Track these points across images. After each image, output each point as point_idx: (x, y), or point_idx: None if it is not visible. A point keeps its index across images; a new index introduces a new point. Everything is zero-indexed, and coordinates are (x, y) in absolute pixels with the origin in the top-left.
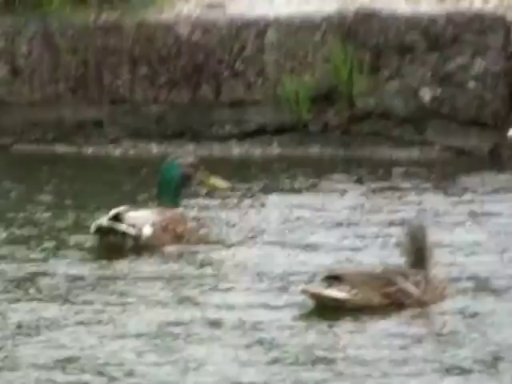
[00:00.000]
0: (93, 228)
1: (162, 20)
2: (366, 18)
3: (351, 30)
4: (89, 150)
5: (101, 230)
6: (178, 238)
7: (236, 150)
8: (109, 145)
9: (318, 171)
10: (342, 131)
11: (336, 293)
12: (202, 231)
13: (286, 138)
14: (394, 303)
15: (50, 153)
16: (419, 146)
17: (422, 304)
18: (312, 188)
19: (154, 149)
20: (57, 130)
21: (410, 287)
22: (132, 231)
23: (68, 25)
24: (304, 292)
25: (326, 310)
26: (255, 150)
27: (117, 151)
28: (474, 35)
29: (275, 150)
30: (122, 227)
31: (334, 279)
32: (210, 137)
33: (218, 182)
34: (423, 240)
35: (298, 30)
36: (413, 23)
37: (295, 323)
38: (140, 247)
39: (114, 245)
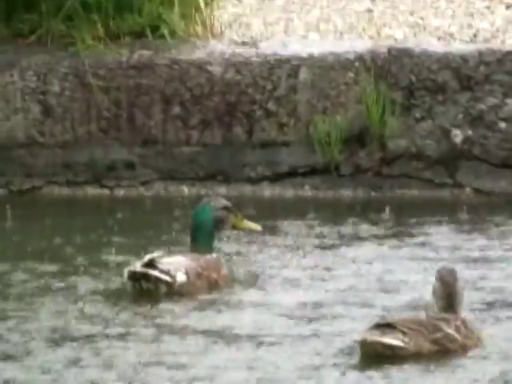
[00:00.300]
0: (126, 274)
1: (194, 59)
2: (399, 57)
3: (383, 69)
4: (120, 193)
5: (134, 277)
6: (213, 285)
7: (268, 191)
8: (140, 187)
9: (349, 213)
10: (373, 173)
11: (393, 341)
12: (234, 277)
13: (318, 180)
14: (441, 350)
15: (81, 195)
16: (450, 187)
17: (464, 348)
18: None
19: (186, 191)
20: (88, 172)
21: (454, 332)
22: (166, 277)
23: (100, 63)
24: (362, 339)
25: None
26: (287, 192)
27: (148, 193)
28: (505, 75)
29: (307, 192)
30: (155, 273)
31: (385, 327)
32: (242, 178)
33: (251, 224)
34: (454, 284)
35: (330, 69)
36: (445, 62)
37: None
38: (173, 294)
39: (147, 291)
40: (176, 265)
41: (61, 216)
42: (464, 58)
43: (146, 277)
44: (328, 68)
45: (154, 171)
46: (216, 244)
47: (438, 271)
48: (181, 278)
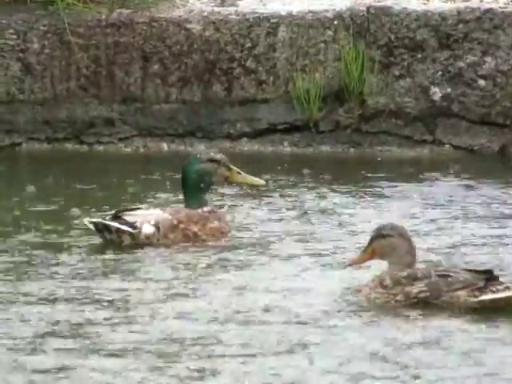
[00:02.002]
0: (87, 224)
1: (173, 17)
2: (377, 15)
3: (362, 27)
4: (100, 149)
5: (97, 228)
6: (191, 238)
7: (247, 148)
8: (120, 143)
9: (329, 170)
10: (352, 130)
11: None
12: (224, 231)
13: (297, 137)
14: None
15: (61, 151)
16: (429, 144)
17: None
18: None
19: (165, 147)
20: (68, 129)
21: None
22: (128, 229)
23: (80, 21)
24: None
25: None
26: (266, 149)
27: (128, 149)
28: (484, 33)
29: (286, 148)
30: (115, 224)
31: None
32: (221, 135)
33: (250, 178)
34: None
35: (309, 27)
36: (424, 21)
37: None
38: (140, 245)
39: (113, 242)
40: (145, 217)
41: (41, 171)
42: (443, 16)
43: (107, 228)
44: (307, 26)
45: (133, 128)
46: (206, 197)
47: (391, 228)
48: (147, 229)
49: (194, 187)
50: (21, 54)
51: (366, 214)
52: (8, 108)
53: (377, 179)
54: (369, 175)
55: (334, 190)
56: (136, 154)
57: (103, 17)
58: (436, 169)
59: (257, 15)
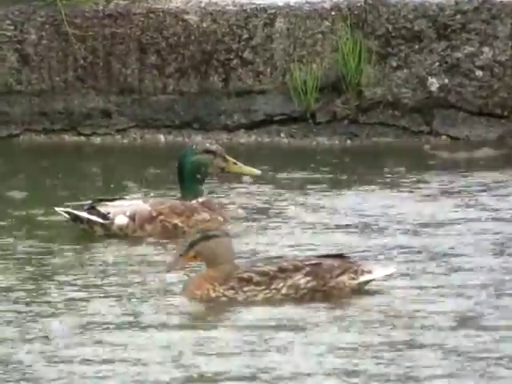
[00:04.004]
0: (61, 213)
1: (171, 8)
2: (375, 5)
3: (360, 18)
4: (97, 140)
5: (70, 218)
6: (170, 230)
7: (244, 139)
8: (117, 135)
9: (325, 161)
10: (349, 121)
11: None
12: (215, 223)
13: (294, 128)
14: None
15: (58, 142)
16: (426, 135)
17: None
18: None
19: (162, 138)
20: (65, 120)
21: None
22: (98, 219)
23: (77, 12)
24: None
25: None
26: (263, 140)
27: (125, 141)
28: (482, 24)
29: (283, 139)
30: (85, 215)
31: None
32: (218, 126)
33: (246, 168)
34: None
35: (306, 18)
36: (421, 11)
37: None
38: (113, 236)
39: (86, 232)
40: (122, 208)
41: (38, 163)
42: (440, 7)
43: (79, 218)
44: (304, 17)
45: (130, 119)
46: (202, 188)
47: (216, 230)
48: (120, 220)
49: (190, 178)
50: (18, 45)
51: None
52: (5, 99)
53: (374, 170)
54: (366, 166)
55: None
56: (133, 145)
57: (100, 8)
58: (433, 159)
59: (254, 6)
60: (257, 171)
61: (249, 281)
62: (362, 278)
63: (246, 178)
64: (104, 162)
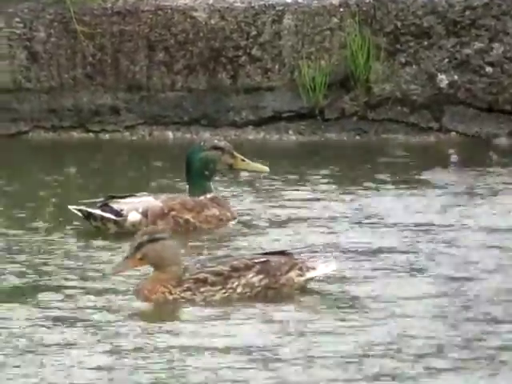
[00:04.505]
0: (74, 211)
1: (179, 5)
2: (384, 2)
3: (368, 14)
4: (105, 137)
5: (83, 215)
6: (182, 226)
7: (252, 136)
8: (125, 131)
9: (334, 158)
10: (358, 118)
11: None
12: (224, 218)
13: (303, 125)
14: None
15: (66, 139)
16: (436, 132)
17: None
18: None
19: (171, 135)
20: (73, 117)
21: None
22: (111, 216)
23: (86, 10)
24: None
25: None
26: (271, 137)
27: (133, 137)
28: (492, 20)
29: (291, 136)
30: (98, 212)
31: None
32: (226, 123)
33: (254, 165)
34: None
35: (315, 14)
36: (430, 7)
37: None
38: (124, 233)
39: (99, 229)
40: (134, 204)
41: (47, 160)
42: (450, 3)
43: (92, 215)
44: (312, 13)
45: (138, 116)
46: (210, 184)
47: (162, 231)
48: (133, 216)
49: (198, 175)
50: (27, 43)
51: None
52: (14, 96)
53: (382, 166)
54: (375, 163)
55: (338, 178)
56: (141, 142)
57: (109, 5)
58: (442, 156)
59: (262, 3)
60: (265, 168)
61: (204, 281)
62: (309, 275)
63: (243, 174)
64: (112, 159)
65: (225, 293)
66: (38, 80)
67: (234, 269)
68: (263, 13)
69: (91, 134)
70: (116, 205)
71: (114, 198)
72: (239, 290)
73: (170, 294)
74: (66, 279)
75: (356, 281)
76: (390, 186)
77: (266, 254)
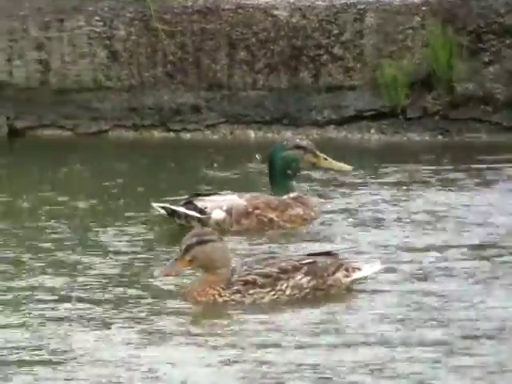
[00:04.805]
0: (157, 209)
1: (260, 3)
2: (466, 0)
3: (450, 13)
4: (186, 136)
5: (167, 213)
6: (266, 224)
7: (334, 135)
8: (206, 130)
9: (416, 157)
10: (440, 117)
11: None
12: (308, 217)
13: (384, 124)
14: None
15: (147, 138)
16: None
17: None
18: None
19: (252, 134)
20: (154, 116)
21: None
22: (196, 214)
23: (166, 8)
24: None
25: None
26: (353, 136)
27: (215, 136)
28: None
29: (373, 135)
30: (182, 210)
31: None
32: (308, 122)
33: (337, 164)
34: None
35: (397, 13)
36: None
37: None
38: None
39: (184, 227)
40: (218, 202)
41: (127, 158)
42: None
43: (176, 213)
44: (394, 12)
45: (220, 115)
46: (292, 183)
47: (211, 233)
48: (217, 215)
49: (281, 174)
50: (107, 41)
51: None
52: (95, 95)
53: (466, 166)
54: (458, 162)
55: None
56: (223, 141)
57: (190, 3)
58: None
59: (344, 1)
60: (348, 167)
61: (254, 283)
62: (355, 275)
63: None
64: (194, 157)
65: (274, 295)
66: (119, 78)
67: (283, 270)
68: (345, 11)
69: (172, 133)
70: (200, 203)
71: (198, 195)
72: (288, 291)
73: (220, 296)
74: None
75: None
76: (472, 185)
77: (311, 254)
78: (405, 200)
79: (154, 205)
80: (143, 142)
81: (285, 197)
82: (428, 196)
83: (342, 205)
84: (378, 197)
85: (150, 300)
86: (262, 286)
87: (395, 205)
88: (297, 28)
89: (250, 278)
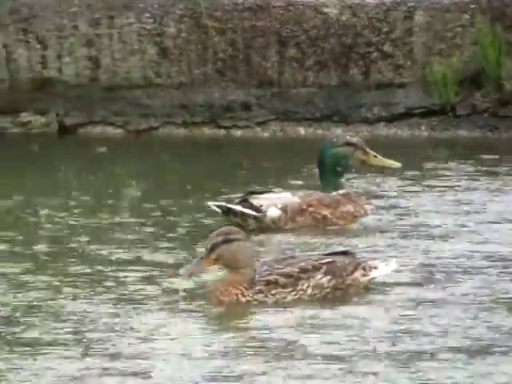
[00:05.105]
0: (213, 207)
1: (310, 1)
2: None
3: (499, 11)
4: (237, 133)
5: (223, 211)
6: (320, 222)
7: (384, 132)
8: (257, 127)
9: (466, 154)
10: (489, 114)
11: None
12: (358, 215)
13: (434, 121)
14: None
15: (198, 135)
16: None
17: None
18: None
19: (302, 131)
20: (205, 113)
21: None
22: (252, 212)
23: (216, 5)
24: None
25: None
26: (403, 133)
27: (265, 134)
28: None
29: (423, 132)
30: (238, 208)
31: None
32: (358, 119)
33: (386, 161)
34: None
35: (446, 11)
36: None
37: None
38: (264, 228)
39: (239, 225)
40: (273, 200)
41: (178, 156)
42: None
43: (232, 211)
44: (444, 10)
45: (270, 112)
46: (342, 180)
47: (237, 232)
48: (273, 212)
49: (331, 171)
50: (157, 38)
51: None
52: (145, 92)
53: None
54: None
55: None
56: (273, 138)
57: (240, 1)
58: None
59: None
60: (397, 164)
61: (276, 283)
62: (373, 274)
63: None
64: (245, 155)
65: (295, 295)
66: (169, 76)
67: (303, 270)
68: (395, 9)
69: (222, 130)
70: (255, 200)
71: (252, 193)
72: (309, 291)
73: (243, 295)
74: None
75: None
76: None
77: (329, 254)
78: (454, 197)
79: (210, 203)
80: (193, 139)
81: (334, 193)
82: (478, 195)
83: (389, 203)
84: (427, 195)
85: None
86: (284, 286)
87: (441, 201)
88: (347, 25)
89: (271, 278)
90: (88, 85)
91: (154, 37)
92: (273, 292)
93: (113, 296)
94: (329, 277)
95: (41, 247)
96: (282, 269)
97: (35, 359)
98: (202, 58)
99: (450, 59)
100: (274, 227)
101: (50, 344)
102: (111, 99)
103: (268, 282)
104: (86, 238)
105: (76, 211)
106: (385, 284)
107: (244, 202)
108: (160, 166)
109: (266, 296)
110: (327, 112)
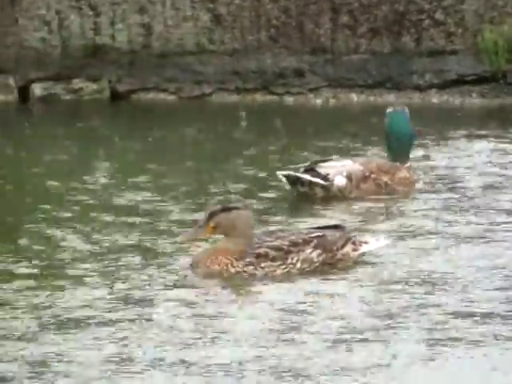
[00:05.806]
0: (280, 177)
1: None
2: None
3: None
4: (289, 100)
5: (289, 181)
6: (383, 188)
7: (435, 99)
8: (309, 94)
9: None
10: None
11: None
12: (413, 180)
13: (485, 88)
14: None
15: (250, 102)
16: None
17: None
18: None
19: (355, 98)
20: (257, 79)
21: None
22: (320, 181)
23: None
24: None
25: None
26: (454, 100)
27: (317, 100)
28: None
29: (474, 99)
30: (307, 177)
31: None
32: (410, 86)
33: None
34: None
35: None
36: None
37: None
38: (333, 196)
39: (306, 194)
40: (338, 168)
41: (231, 122)
42: None
43: (300, 181)
44: None
45: (322, 79)
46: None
47: (237, 201)
48: (340, 181)
49: (404, 148)
50: (211, 5)
51: None
52: (198, 59)
53: None
54: None
55: None
56: (326, 104)
57: None
58: None
59: None
60: None
61: (266, 256)
62: (362, 249)
63: None
64: (301, 122)
65: (285, 268)
66: (222, 42)
67: (293, 243)
68: None
69: (275, 97)
70: (322, 169)
71: (317, 162)
72: (298, 265)
73: (232, 266)
74: None
75: None
76: None
77: (319, 228)
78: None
79: (278, 173)
80: (246, 106)
81: (397, 164)
82: None
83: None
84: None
85: None
86: (274, 260)
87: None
88: None
89: (262, 250)
90: (140, 51)
91: (207, 3)
92: (262, 265)
93: None
94: (319, 251)
95: None
96: (271, 242)
97: None
98: (255, 25)
99: (501, 27)
100: (339, 195)
101: None
102: (164, 66)
103: (258, 255)
104: None
105: None
106: None
107: (310, 170)
108: (213, 131)
109: (256, 269)
110: (379, 79)
